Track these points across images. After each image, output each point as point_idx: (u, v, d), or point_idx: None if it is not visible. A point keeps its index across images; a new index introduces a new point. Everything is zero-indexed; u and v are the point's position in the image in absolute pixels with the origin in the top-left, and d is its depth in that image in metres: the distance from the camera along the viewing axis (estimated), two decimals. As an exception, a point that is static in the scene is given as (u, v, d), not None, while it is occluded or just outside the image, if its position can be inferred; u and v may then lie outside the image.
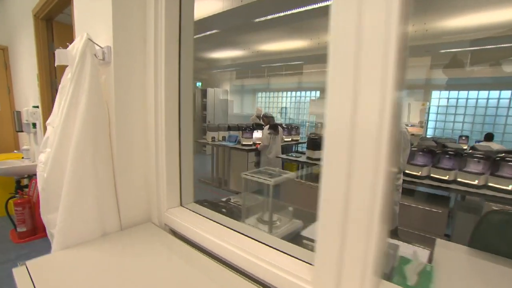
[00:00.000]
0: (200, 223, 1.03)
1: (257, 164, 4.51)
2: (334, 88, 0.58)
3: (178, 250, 0.97)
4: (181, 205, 1.14)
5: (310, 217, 1.52)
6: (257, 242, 0.88)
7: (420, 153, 2.81)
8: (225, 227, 1.02)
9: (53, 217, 0.95)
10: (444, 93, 5.50)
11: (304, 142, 5.65)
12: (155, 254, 0.92)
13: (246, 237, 0.93)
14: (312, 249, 0.95)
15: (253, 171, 1.26)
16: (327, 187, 0.62)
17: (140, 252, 0.93)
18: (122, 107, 1.00)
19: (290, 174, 1.24)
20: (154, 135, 1.04)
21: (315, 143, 3.34)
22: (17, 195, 2.92)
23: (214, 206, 1.49)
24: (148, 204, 1.13)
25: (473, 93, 5.08)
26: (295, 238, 1.31)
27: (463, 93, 5.23)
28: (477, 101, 5.03)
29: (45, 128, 2.77)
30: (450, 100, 5.60)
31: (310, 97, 7.15)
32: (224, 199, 1.72)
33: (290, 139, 5.21)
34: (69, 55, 0.94)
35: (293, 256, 0.77)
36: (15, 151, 3.60)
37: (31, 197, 2.97)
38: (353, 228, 0.59)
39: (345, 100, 0.57)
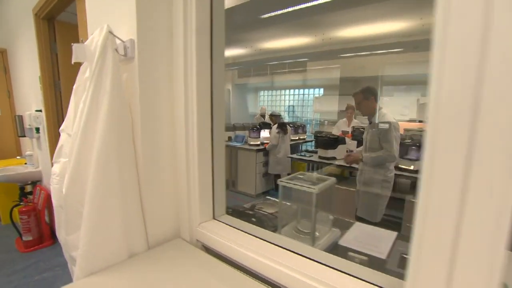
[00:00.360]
0: (238, 238, 0.90)
1: (266, 164, 4.38)
2: (445, 77, 0.45)
3: (215, 270, 0.84)
4: (214, 218, 1.01)
5: (341, 223, 1.39)
6: (314, 262, 0.75)
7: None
8: (266, 242, 0.89)
9: (74, 238, 0.82)
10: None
11: (311, 141, 5.52)
12: (189, 276, 0.79)
13: (297, 255, 0.80)
14: (362, 263, 0.83)
15: (289, 178, 1.13)
16: (430, 196, 0.49)
17: (172, 274, 0.80)
18: (148, 109, 0.86)
19: (331, 180, 1.11)
20: (184, 141, 0.90)
21: (327, 141, 3.21)
22: (21, 203, 2.77)
23: (241, 214, 1.35)
24: (177, 219, 0.99)
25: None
26: (335, 249, 1.19)
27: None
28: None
29: (50, 133, 2.63)
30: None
31: (313, 94, 7.03)
32: (248, 206, 1.59)
33: (297, 138, 5.08)
34: (88, 51, 0.80)
35: (368, 282, 0.64)
36: (17, 157, 3.44)
37: (36, 205, 2.83)
38: (468, 252, 0.47)
39: (463, 94, 0.44)
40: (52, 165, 1.00)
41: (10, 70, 3.67)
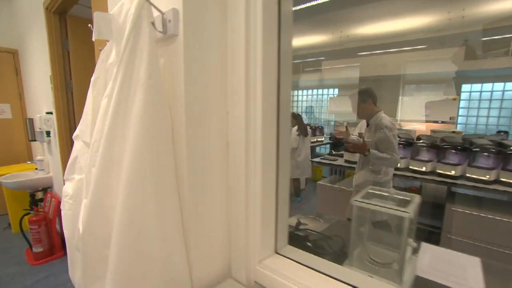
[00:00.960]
0: (310, 280, 0.65)
1: (284, 168, 4.09)
2: None
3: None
4: (276, 251, 0.75)
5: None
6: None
7: (485, 154, 2.39)
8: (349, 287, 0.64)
9: (94, 291, 0.57)
10: (476, 86, 5.06)
11: (328, 143, 5.24)
12: None
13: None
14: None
15: (364, 195, 0.86)
16: None
17: None
18: (195, 109, 0.61)
19: (418, 198, 0.85)
20: (244, 153, 0.64)
21: (355, 144, 2.92)
22: (32, 212, 2.56)
23: (290, 237, 1.10)
24: (229, 254, 0.73)
25: (510, 85, 4.63)
26: (417, 283, 0.92)
27: (497, 85, 4.79)
28: (515, 94, 4.57)
29: (61, 137, 2.41)
30: (480, 93, 5.16)
31: (328, 95, 6.73)
32: (293, 224, 1.33)
33: (314, 140, 4.80)
34: (114, 24, 0.56)
35: None
36: (28, 162, 3.25)
37: (46, 214, 2.61)
38: None
39: None
40: (63, 180, 0.75)
41: (21, 71, 3.49)
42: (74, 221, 0.65)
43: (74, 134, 0.71)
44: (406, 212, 0.73)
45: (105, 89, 0.68)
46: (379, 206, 0.76)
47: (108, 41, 0.73)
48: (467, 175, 2.41)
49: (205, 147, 0.64)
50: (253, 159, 0.64)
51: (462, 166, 2.46)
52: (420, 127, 4.65)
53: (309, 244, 1.02)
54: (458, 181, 2.43)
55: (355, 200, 0.81)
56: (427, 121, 4.97)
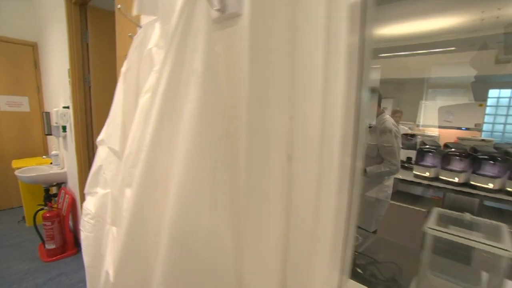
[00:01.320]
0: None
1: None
2: None
3: None
4: (340, 290, 0.60)
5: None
6: None
7: (529, 165, 2.17)
8: None
9: None
10: (504, 92, 4.76)
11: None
12: None
13: None
14: None
15: (436, 219, 0.70)
16: None
17: None
18: (258, 113, 0.47)
19: (505, 227, 0.68)
20: (316, 170, 0.49)
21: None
22: (45, 207, 2.49)
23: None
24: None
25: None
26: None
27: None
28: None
29: (77, 132, 2.31)
30: (510, 99, 4.85)
31: (344, 97, 6.52)
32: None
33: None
34: (161, -3, 0.42)
35: None
36: (43, 156, 3.19)
37: (60, 210, 2.54)
38: None
39: None
40: (83, 193, 0.62)
41: (40, 64, 3.44)
42: (96, 245, 0.52)
43: (99, 138, 0.58)
44: (507, 250, 0.58)
45: (137, 82, 0.54)
46: (473, 240, 0.60)
47: (140, 26, 0.60)
48: (508, 189, 2.19)
49: (264, 160, 0.50)
50: (327, 178, 0.49)
51: (501, 179, 2.25)
52: (434, 134, 4.40)
53: (359, 270, 0.87)
54: (497, 195, 2.22)
55: (430, 228, 0.66)
56: (440, 127, 4.69)
